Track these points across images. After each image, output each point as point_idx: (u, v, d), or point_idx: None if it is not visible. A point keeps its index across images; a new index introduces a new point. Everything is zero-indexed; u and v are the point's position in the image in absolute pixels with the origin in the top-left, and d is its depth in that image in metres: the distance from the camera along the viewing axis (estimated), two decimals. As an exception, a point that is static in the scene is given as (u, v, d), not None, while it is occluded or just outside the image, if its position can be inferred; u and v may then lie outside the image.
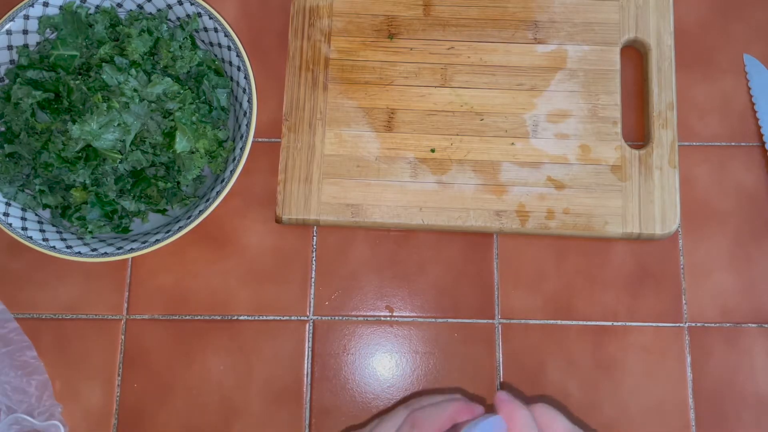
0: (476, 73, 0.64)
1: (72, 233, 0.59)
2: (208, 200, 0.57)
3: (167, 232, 0.57)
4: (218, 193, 0.57)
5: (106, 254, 0.56)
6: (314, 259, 0.63)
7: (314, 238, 0.63)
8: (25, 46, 0.60)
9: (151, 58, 0.60)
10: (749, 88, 0.66)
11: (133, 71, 0.57)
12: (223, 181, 0.58)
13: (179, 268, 0.62)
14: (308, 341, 0.61)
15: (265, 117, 0.65)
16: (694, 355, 0.61)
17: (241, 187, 0.64)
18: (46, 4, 0.59)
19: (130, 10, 0.62)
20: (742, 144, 0.65)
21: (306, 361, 0.61)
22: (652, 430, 0.59)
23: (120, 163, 0.58)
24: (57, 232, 0.59)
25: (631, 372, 0.60)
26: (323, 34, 0.65)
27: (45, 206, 0.59)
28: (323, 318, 0.61)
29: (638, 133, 0.65)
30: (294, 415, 0.59)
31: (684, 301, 0.62)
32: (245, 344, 0.61)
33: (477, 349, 0.61)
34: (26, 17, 0.59)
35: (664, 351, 0.57)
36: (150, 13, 0.62)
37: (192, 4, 0.60)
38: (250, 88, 0.59)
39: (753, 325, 0.61)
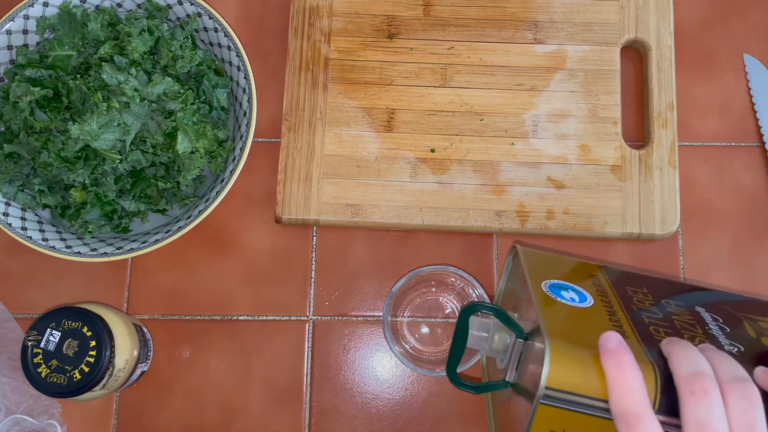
0: (476, 73, 0.64)
1: (72, 233, 0.59)
2: (207, 200, 0.57)
3: (167, 232, 0.57)
4: (218, 193, 0.57)
5: (105, 254, 0.56)
6: (314, 259, 0.63)
7: (314, 238, 0.63)
8: (25, 45, 0.60)
9: (151, 57, 0.60)
10: (749, 88, 0.66)
11: (133, 70, 0.57)
12: (222, 181, 0.58)
13: (179, 268, 0.62)
14: (308, 341, 0.61)
15: (265, 117, 0.65)
16: (694, 355, 0.61)
17: (241, 187, 0.64)
18: (46, 4, 0.59)
19: (130, 10, 0.62)
20: (742, 144, 0.65)
21: (306, 361, 0.61)
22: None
23: (119, 163, 0.58)
24: (57, 232, 0.59)
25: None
26: (323, 34, 0.65)
27: (45, 206, 0.59)
28: (323, 318, 0.61)
29: (638, 133, 0.65)
30: (294, 415, 0.59)
31: (684, 301, 0.62)
32: (245, 344, 0.61)
33: (477, 349, 0.61)
34: (26, 17, 0.59)
35: (664, 351, 0.57)
36: (150, 13, 0.62)
37: (192, 4, 0.60)
38: (249, 88, 0.59)
39: (753, 325, 0.61)
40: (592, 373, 0.37)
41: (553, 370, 0.37)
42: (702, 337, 0.41)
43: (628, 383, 0.35)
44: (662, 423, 0.35)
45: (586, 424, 0.37)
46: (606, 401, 0.36)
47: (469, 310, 0.45)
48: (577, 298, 0.43)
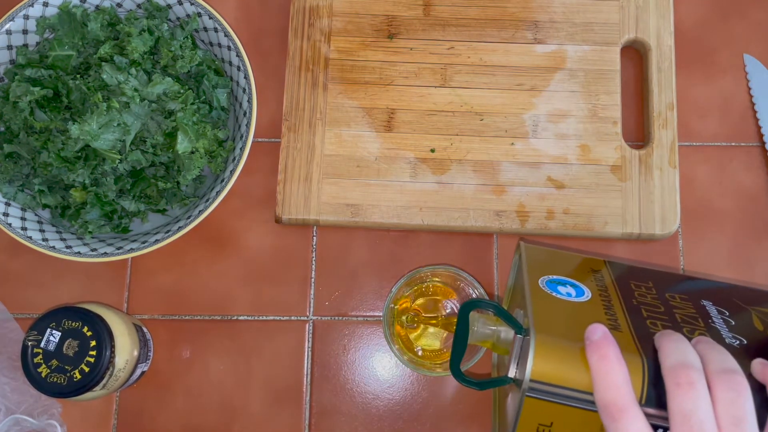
0: (476, 73, 0.64)
1: (72, 233, 0.59)
2: (207, 200, 0.57)
3: (167, 232, 0.57)
4: (218, 193, 0.57)
5: (105, 254, 0.56)
6: (314, 259, 0.63)
7: (314, 238, 0.63)
8: (25, 45, 0.60)
9: (151, 57, 0.60)
10: (749, 88, 0.66)
11: (133, 70, 0.57)
12: (222, 181, 0.58)
13: (179, 268, 0.62)
14: (308, 341, 0.61)
15: (265, 117, 0.65)
16: (694, 355, 0.61)
17: (241, 187, 0.64)
18: (45, 4, 0.59)
19: (130, 10, 0.62)
20: (742, 144, 0.65)
21: (306, 361, 0.61)
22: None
23: (119, 163, 0.58)
24: (57, 232, 0.59)
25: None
26: (323, 34, 0.65)
27: (45, 206, 0.59)
28: (323, 318, 0.61)
29: (638, 133, 0.65)
30: (294, 415, 0.59)
31: (684, 301, 0.62)
32: (245, 344, 0.61)
33: (477, 349, 0.61)
34: (26, 17, 0.59)
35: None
36: (150, 13, 0.62)
37: (192, 4, 0.60)
38: (249, 88, 0.59)
39: (753, 325, 0.61)
40: (578, 365, 0.37)
41: (538, 363, 0.37)
42: (703, 330, 0.41)
43: (611, 376, 0.35)
44: (651, 415, 0.35)
45: (574, 417, 0.37)
46: (592, 394, 0.36)
47: (468, 306, 0.45)
48: (573, 293, 0.43)
